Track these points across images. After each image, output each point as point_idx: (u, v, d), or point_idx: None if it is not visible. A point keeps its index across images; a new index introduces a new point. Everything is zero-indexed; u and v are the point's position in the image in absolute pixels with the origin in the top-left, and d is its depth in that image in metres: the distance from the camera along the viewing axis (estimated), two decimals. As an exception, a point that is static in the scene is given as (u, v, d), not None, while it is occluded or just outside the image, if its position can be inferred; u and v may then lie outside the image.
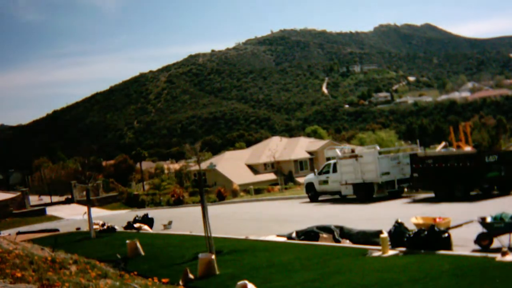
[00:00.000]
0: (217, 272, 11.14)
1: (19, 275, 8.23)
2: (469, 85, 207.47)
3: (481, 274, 8.42)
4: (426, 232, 11.22)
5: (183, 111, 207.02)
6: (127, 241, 15.70)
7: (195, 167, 67.57)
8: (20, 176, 72.77)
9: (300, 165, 65.84)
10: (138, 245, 15.36)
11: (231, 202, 39.55)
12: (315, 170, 31.12)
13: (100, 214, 38.30)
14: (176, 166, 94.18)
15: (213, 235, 13.86)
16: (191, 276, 10.83)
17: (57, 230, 27.68)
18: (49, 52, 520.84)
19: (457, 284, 8.00)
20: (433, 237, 11.04)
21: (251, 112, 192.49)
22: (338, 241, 14.11)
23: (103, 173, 70.02)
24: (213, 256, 11.31)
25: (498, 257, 9.59)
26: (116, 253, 15.80)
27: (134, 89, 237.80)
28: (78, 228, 26.72)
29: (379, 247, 11.54)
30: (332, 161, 28.55)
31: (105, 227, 24.39)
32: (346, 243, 13.88)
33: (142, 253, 15.21)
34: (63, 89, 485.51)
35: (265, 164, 66.06)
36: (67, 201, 49.74)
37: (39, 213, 42.36)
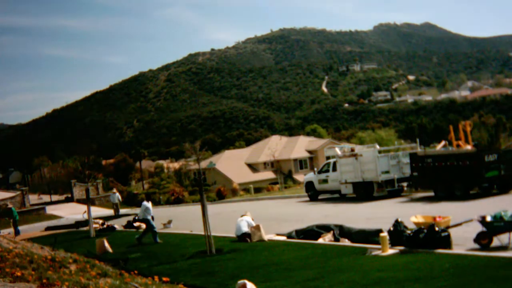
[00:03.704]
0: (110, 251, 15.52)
1: (18, 274, 8.22)
2: (469, 84, 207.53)
3: (481, 273, 8.42)
4: (425, 231, 11.22)
5: (183, 110, 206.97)
6: (96, 239, 17.25)
7: (194, 166, 67.54)
8: (20, 175, 72.87)
9: (300, 164, 65.82)
10: (106, 243, 16.56)
11: (231, 201, 39.56)
12: (315, 169, 31.09)
13: (100, 213, 38.31)
14: (175, 165, 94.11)
15: (213, 233, 13.87)
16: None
17: (78, 225, 27.12)
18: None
19: (456, 283, 8.00)
20: (433, 236, 11.04)
21: (251, 111, 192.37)
22: (338, 240, 14.12)
23: (103, 172, 69.97)
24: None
25: (498, 256, 9.59)
26: (116, 252, 15.83)
27: (133, 88, 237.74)
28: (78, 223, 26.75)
29: (379, 246, 11.55)
30: (331, 160, 28.55)
31: (104, 226, 24.40)
32: (345, 242, 13.89)
33: (110, 250, 16.38)
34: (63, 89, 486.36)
35: (264, 163, 66.04)
36: (67, 200, 49.78)
37: (39, 212, 42.37)
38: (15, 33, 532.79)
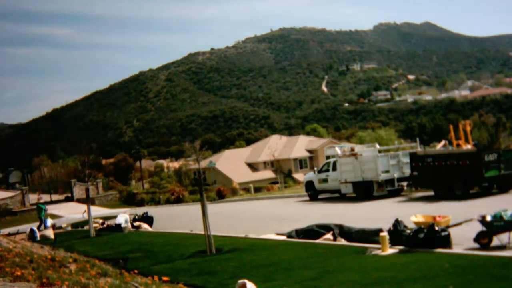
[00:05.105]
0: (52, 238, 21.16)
1: (18, 273, 8.23)
2: (469, 83, 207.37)
3: (481, 273, 8.42)
4: (425, 231, 11.22)
5: (183, 109, 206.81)
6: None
7: (194, 166, 67.53)
8: (20, 174, 72.78)
9: (300, 163, 65.83)
10: (51, 232, 21.99)
11: (231, 200, 39.55)
12: (315, 168, 31.09)
13: (100, 213, 38.28)
14: (175, 164, 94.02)
15: (213, 233, 13.86)
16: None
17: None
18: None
19: (456, 282, 8.00)
20: (433, 235, 11.04)
21: (251, 110, 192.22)
22: (335, 240, 14.12)
23: (103, 171, 69.94)
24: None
25: (498, 255, 9.59)
26: (115, 252, 15.82)
27: (133, 88, 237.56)
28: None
29: (379, 246, 11.55)
30: (331, 160, 28.53)
31: (104, 225, 24.35)
32: (341, 241, 13.89)
33: (52, 237, 21.15)
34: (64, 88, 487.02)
35: (264, 163, 66.05)
36: (67, 200, 49.75)
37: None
38: (17, 33, 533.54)
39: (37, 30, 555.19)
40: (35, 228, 22.76)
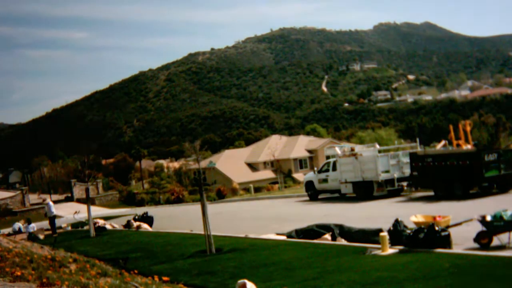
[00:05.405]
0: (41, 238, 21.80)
1: (18, 273, 8.23)
2: (469, 83, 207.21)
3: (481, 273, 8.42)
4: (425, 231, 11.22)
5: (183, 109, 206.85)
6: None
7: (194, 166, 67.52)
8: (20, 174, 72.84)
9: (300, 163, 65.83)
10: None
11: (231, 200, 39.56)
12: (315, 168, 31.09)
13: (99, 213, 38.30)
14: (175, 164, 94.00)
15: (212, 233, 13.86)
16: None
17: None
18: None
19: (456, 282, 8.00)
20: (433, 235, 11.03)
21: (251, 110, 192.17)
22: (335, 240, 14.12)
23: (103, 171, 69.99)
24: None
25: (498, 255, 9.59)
26: (116, 251, 15.81)
27: (133, 88, 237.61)
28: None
29: (379, 246, 11.54)
30: (331, 160, 28.53)
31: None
32: (342, 241, 13.89)
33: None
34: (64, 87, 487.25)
35: (264, 163, 66.04)
36: (67, 200, 49.78)
37: (39, 211, 42.33)
38: (19, 34, 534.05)
39: (40, 33, 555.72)
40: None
